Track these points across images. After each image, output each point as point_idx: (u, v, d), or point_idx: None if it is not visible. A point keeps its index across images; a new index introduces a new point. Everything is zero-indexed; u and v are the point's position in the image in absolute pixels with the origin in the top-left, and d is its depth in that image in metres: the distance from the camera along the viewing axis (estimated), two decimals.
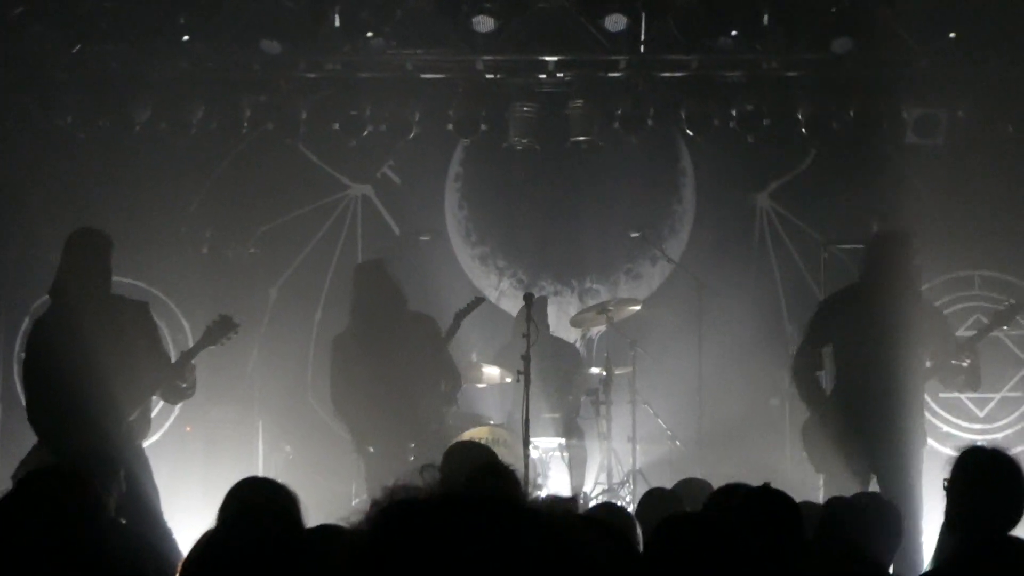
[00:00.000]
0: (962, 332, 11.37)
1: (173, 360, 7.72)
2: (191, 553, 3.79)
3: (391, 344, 8.79)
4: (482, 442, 9.91)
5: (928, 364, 8.31)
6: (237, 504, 4.69)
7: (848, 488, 7.32)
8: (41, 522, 4.07)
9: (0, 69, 10.75)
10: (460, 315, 9.25)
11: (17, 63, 10.84)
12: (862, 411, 8.01)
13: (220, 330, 7.81)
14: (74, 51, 10.85)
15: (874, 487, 7.81)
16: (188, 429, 11.11)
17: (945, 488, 5.18)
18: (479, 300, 9.52)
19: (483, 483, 5.64)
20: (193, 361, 7.67)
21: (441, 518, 1.87)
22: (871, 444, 7.95)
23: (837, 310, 8.33)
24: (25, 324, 10.71)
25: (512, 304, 11.46)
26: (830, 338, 8.30)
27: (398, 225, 12.04)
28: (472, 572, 1.83)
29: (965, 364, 8.36)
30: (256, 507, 4.50)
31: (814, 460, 8.28)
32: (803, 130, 11.55)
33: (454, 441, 7.39)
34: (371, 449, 8.84)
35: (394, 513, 1.89)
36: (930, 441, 11.30)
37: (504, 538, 1.86)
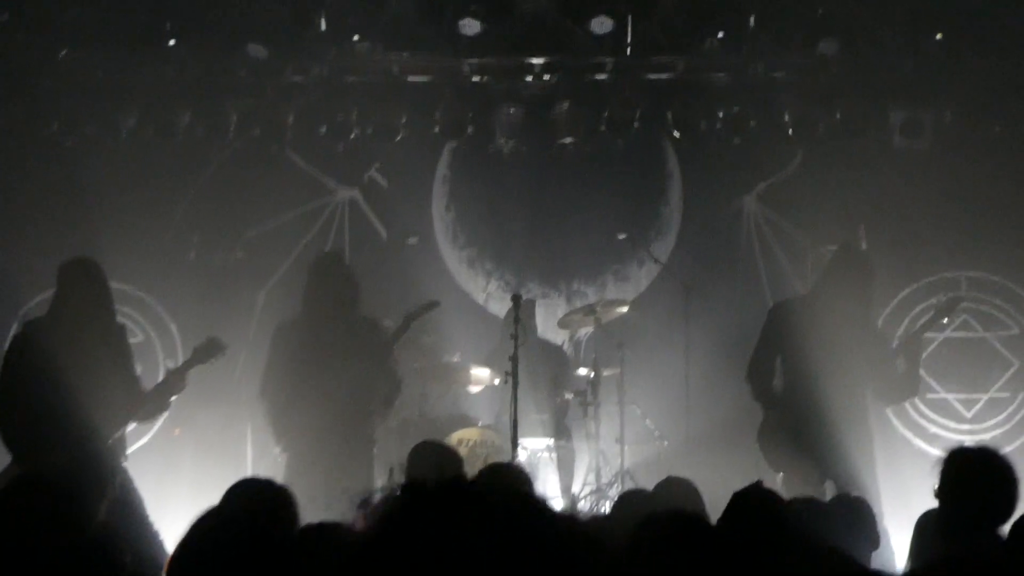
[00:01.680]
0: (949, 334, 11.46)
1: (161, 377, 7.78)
2: (184, 542, 3.76)
3: (334, 341, 8.45)
4: (472, 443, 9.99)
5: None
6: (236, 502, 4.71)
7: (806, 486, 7.54)
8: (24, 530, 4.05)
9: None
10: (410, 317, 8.91)
11: (2, 70, 10.83)
12: (809, 420, 8.18)
13: (207, 352, 7.85)
14: (60, 57, 10.86)
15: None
16: (177, 432, 11.09)
17: (935, 492, 5.22)
18: (432, 304, 9.29)
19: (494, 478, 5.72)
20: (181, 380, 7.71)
21: (454, 507, 1.93)
22: (821, 453, 8.14)
23: (788, 318, 8.47)
24: (14, 329, 10.72)
25: (500, 307, 11.48)
26: (782, 346, 8.44)
27: (385, 228, 12.05)
28: (489, 561, 1.89)
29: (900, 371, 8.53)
30: (254, 504, 4.54)
31: (770, 460, 8.39)
32: (790, 132, 11.59)
33: (421, 442, 7.39)
34: (278, 450, 8.53)
35: (411, 502, 1.94)
36: (918, 442, 11.44)
37: (520, 529, 1.92)
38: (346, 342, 8.43)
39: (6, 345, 10.71)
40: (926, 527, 5.55)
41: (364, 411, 8.57)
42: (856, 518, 5.61)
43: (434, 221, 12.18)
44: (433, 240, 12.11)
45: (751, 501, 4.87)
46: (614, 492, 9.97)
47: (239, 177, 11.70)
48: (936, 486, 5.22)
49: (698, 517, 4.12)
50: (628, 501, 5.98)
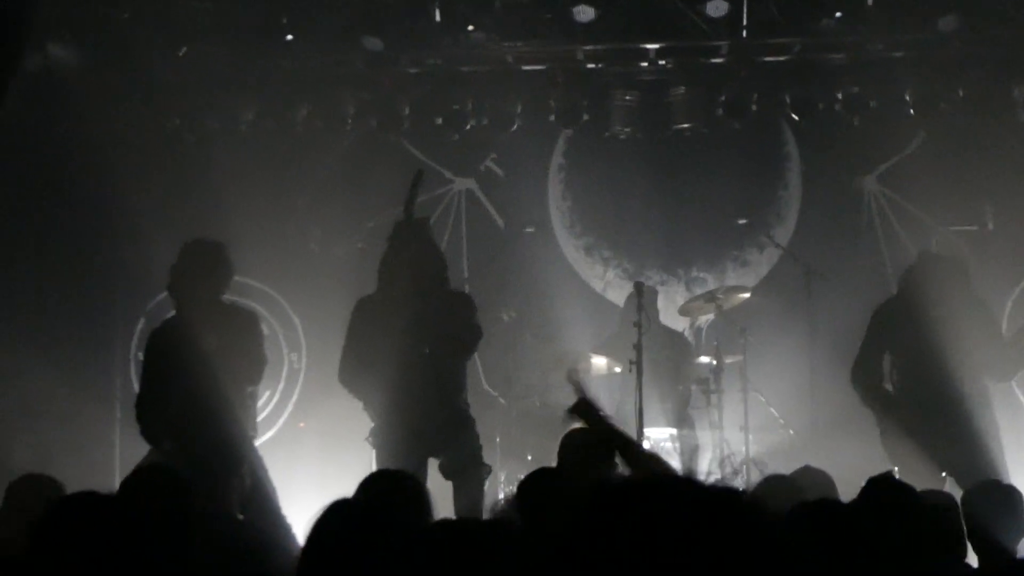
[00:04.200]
0: None
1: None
2: (319, 533, 3.70)
3: (415, 314, 7.94)
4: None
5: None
6: (372, 493, 4.69)
7: (926, 481, 7.30)
8: (148, 522, 4.05)
9: (108, 73, 10.84)
10: (410, 199, 8.24)
11: (125, 67, 10.95)
12: (929, 416, 8.05)
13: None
14: (180, 53, 10.95)
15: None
16: (302, 425, 11.21)
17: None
18: (419, 174, 8.66)
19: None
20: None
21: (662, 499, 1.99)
22: (941, 447, 7.98)
23: (893, 318, 8.36)
24: (140, 325, 10.86)
25: (618, 294, 11.40)
26: (890, 346, 8.33)
27: (502, 218, 12.03)
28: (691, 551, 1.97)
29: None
30: (390, 495, 4.53)
31: (889, 455, 8.27)
32: (910, 111, 11.36)
33: (570, 429, 7.28)
34: (371, 439, 8.06)
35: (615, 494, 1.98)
36: None
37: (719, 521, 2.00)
38: (430, 314, 7.93)
39: (135, 340, 11.04)
40: None
41: (451, 382, 8.13)
42: (1005, 506, 5.47)
43: (551, 210, 12.12)
44: (550, 229, 12.05)
45: (886, 489, 4.76)
46: (739, 481, 9.83)
47: (357, 168, 11.71)
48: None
49: (848, 508, 4.03)
50: (772, 486, 5.91)
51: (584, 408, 5.14)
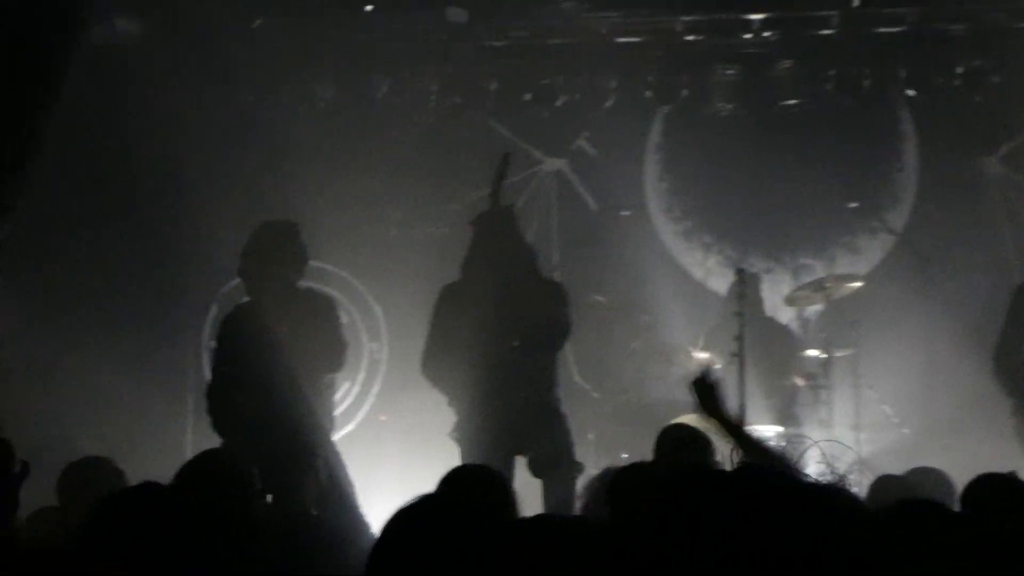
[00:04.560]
0: None
1: None
2: (394, 530, 3.67)
3: (503, 305, 7.93)
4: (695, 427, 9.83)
5: None
6: (455, 489, 4.67)
7: None
8: (203, 513, 4.05)
9: (177, 47, 10.91)
10: (497, 180, 8.34)
11: (194, 41, 11.01)
12: None
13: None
14: (253, 26, 11.00)
15: None
16: (383, 419, 11.24)
17: None
18: (507, 156, 8.69)
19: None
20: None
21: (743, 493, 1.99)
22: None
23: None
24: (213, 312, 10.91)
25: (720, 283, 11.36)
26: None
27: (595, 200, 11.98)
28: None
29: None
30: (473, 492, 4.50)
31: None
32: None
33: (668, 424, 7.23)
34: (455, 434, 8.05)
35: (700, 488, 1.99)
36: None
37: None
38: (518, 303, 7.97)
39: (207, 327, 11.10)
40: None
41: (541, 376, 8.09)
42: None
43: (647, 192, 12.06)
44: (646, 212, 12.00)
45: (996, 489, 4.65)
46: (849, 483, 9.71)
47: (440, 148, 11.71)
48: None
49: (954, 513, 3.92)
50: (883, 486, 5.82)
51: (705, 389, 5.06)
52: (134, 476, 5.57)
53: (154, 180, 10.94)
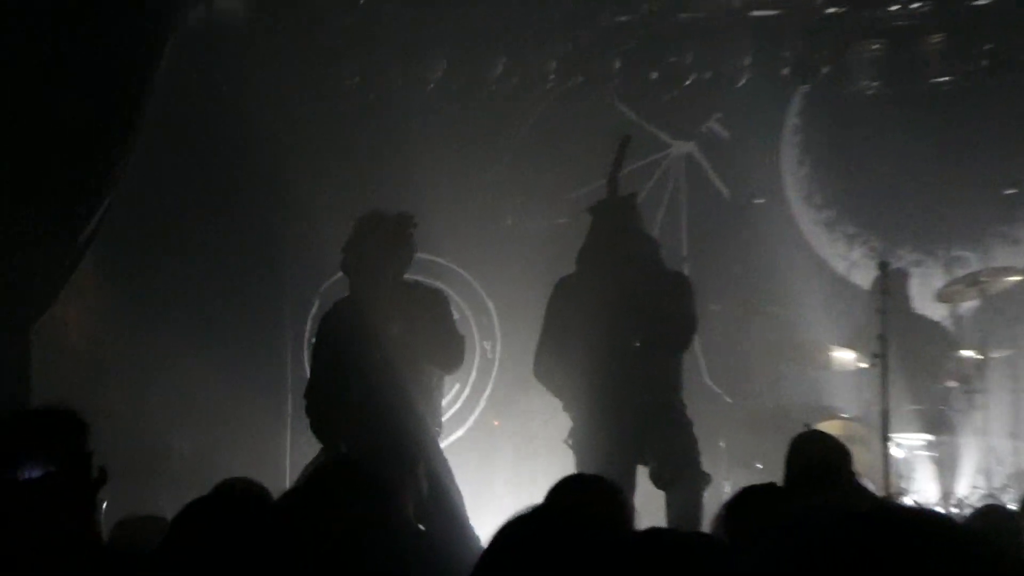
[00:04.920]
0: None
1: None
2: (498, 544, 3.60)
3: (624, 301, 7.81)
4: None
5: None
6: (564, 500, 4.59)
7: None
8: (326, 521, 4.01)
9: (278, 26, 10.96)
10: (617, 165, 8.30)
11: (298, 21, 11.04)
12: None
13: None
14: (360, 4, 11.03)
15: None
16: (496, 424, 11.29)
17: None
18: (626, 139, 8.58)
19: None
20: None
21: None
22: None
23: None
24: (314, 309, 10.94)
25: (865, 276, 11.22)
26: None
27: (727, 187, 11.85)
28: None
29: None
30: (584, 503, 4.41)
31: None
32: None
33: (804, 432, 7.06)
34: (571, 441, 7.95)
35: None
36: None
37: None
38: (637, 303, 7.84)
39: (308, 324, 11.13)
40: None
41: (665, 379, 7.96)
42: None
43: (784, 178, 11.91)
44: (784, 200, 11.85)
45: None
46: (1008, 498, 9.52)
47: (560, 132, 11.65)
48: None
49: None
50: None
51: None
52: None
53: (255, 170, 11.02)
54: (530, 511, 3.68)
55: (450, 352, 7.79)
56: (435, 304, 7.85)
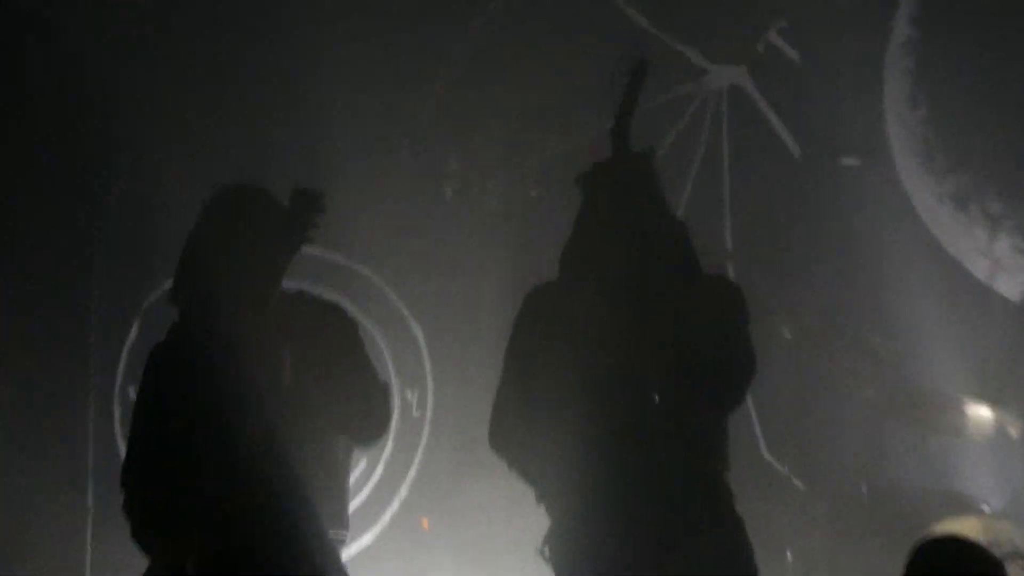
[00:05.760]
0: None
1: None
2: None
3: (633, 325, 7.84)
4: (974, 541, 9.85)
5: None
6: None
7: None
8: None
9: None
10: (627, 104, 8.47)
11: None
12: None
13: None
14: None
15: None
16: (425, 525, 11.41)
17: None
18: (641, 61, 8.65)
19: None
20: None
21: None
22: None
23: None
24: (131, 335, 11.03)
25: (1016, 284, 11.49)
26: None
27: (796, 138, 12.03)
28: None
29: None
30: None
31: None
32: None
33: (924, 538, 7.17)
34: (547, 551, 7.88)
35: None
36: None
37: None
38: (654, 329, 7.84)
39: (121, 364, 11.25)
40: None
41: (699, 452, 7.92)
42: None
43: (888, 126, 12.08)
44: (888, 161, 12.03)
45: None
46: None
47: (535, 46, 11.84)
48: None
49: None
50: None
51: None
52: None
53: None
54: None
55: (369, 411, 7.81)
56: (340, 331, 7.89)
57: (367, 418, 7.84)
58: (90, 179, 11.29)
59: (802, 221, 11.72)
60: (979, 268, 11.85)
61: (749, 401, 10.22)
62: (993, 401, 10.59)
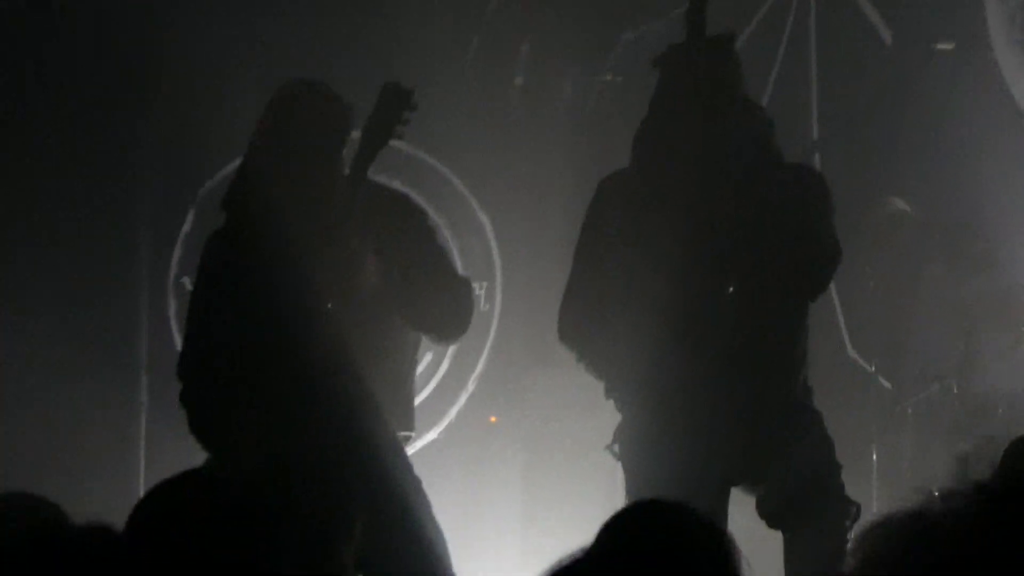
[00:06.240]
0: None
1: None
2: None
3: (707, 217, 7.83)
4: None
5: None
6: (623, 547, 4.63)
7: None
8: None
9: None
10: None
11: None
12: None
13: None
14: None
15: None
16: (493, 420, 11.44)
17: None
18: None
19: None
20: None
21: None
22: None
23: None
24: (186, 225, 10.99)
25: None
26: None
27: (889, 24, 11.95)
28: None
29: None
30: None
31: None
32: None
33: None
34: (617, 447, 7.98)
35: None
36: None
37: None
38: (730, 220, 7.88)
39: (176, 254, 11.21)
40: None
41: (777, 346, 7.97)
42: None
43: (986, 10, 11.96)
44: (985, 44, 11.97)
45: None
46: None
47: None
48: None
49: None
50: None
51: None
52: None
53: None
54: (574, 562, 3.78)
55: (451, 306, 7.84)
56: (413, 222, 7.91)
57: (451, 315, 7.89)
58: (141, 64, 11.24)
59: (893, 111, 11.61)
60: None
61: (835, 299, 10.21)
62: None
